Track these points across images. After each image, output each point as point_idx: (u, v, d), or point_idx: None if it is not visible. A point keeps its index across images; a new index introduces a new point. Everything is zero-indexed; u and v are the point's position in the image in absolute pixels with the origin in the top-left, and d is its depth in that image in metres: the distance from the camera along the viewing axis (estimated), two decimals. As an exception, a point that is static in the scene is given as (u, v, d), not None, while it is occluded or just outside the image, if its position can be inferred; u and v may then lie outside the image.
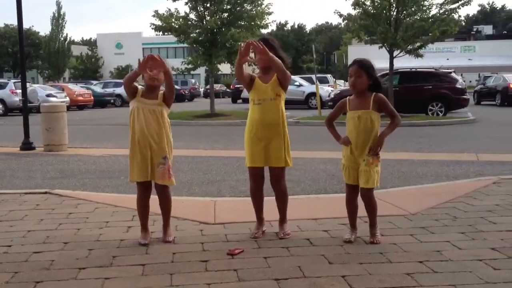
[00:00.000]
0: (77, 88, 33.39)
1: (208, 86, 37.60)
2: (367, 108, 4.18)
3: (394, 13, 19.30)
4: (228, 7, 21.42)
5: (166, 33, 22.64)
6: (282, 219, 4.59)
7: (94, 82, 44.65)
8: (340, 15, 20.20)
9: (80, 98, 31.97)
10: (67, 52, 56.65)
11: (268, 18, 21.64)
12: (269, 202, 4.70)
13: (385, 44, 19.51)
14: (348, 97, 4.37)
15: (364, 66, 4.22)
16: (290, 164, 4.53)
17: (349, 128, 4.28)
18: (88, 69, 68.18)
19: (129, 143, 4.37)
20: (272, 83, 4.43)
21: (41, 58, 57.26)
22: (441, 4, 19.34)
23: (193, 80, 50.19)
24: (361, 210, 4.45)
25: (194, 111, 22.93)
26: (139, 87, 4.38)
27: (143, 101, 4.29)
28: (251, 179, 4.57)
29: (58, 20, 54.89)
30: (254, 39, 20.65)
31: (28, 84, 16.64)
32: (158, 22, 21.38)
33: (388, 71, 19.41)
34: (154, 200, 4.53)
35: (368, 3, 19.27)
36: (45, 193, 6.45)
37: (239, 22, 21.60)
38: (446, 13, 19.37)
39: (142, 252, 4.14)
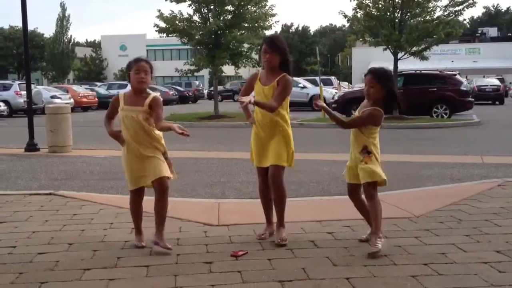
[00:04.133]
0: (81, 90, 33.46)
1: (212, 88, 37.66)
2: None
3: (398, 15, 19.29)
4: (232, 8, 21.45)
5: (170, 35, 22.69)
6: (279, 223, 4.47)
7: (98, 83, 44.72)
8: (345, 16, 20.20)
9: (84, 99, 32.02)
10: (71, 54, 56.78)
11: (271, 20, 21.68)
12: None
13: (389, 46, 19.49)
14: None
15: (376, 75, 4.18)
16: (290, 165, 4.47)
17: None
18: (92, 71, 68.26)
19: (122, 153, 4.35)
20: (270, 87, 4.40)
21: (46, 60, 57.41)
22: (446, 6, 19.34)
23: (197, 82, 50.20)
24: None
25: (198, 113, 22.96)
26: (121, 95, 4.35)
27: (128, 108, 4.24)
28: (259, 178, 4.60)
29: (62, 22, 55.03)
30: (258, 40, 20.53)
31: (32, 86, 16.67)
32: (162, 24, 21.44)
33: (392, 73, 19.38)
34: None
35: (371, 5, 19.26)
36: (50, 194, 6.47)
37: (243, 23, 21.63)
38: (451, 15, 19.36)
39: (146, 253, 4.14)
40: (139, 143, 4.21)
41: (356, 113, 4.31)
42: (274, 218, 4.55)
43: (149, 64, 4.31)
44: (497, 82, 34.59)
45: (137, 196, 4.37)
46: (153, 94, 4.30)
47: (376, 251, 3.96)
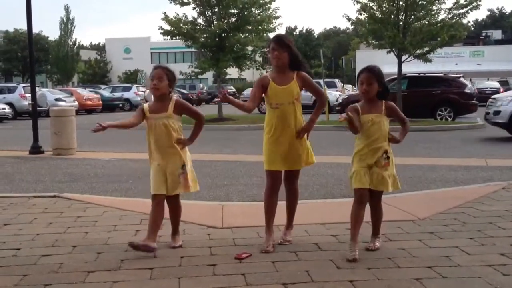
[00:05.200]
0: (85, 93, 33.61)
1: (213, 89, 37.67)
2: (380, 113, 4.18)
3: (402, 18, 19.28)
4: (236, 11, 21.50)
5: (174, 38, 22.76)
6: (289, 224, 4.55)
7: (103, 86, 44.88)
8: (349, 19, 20.19)
9: (89, 102, 32.15)
10: (75, 56, 56.98)
11: (275, 22, 21.72)
12: (278, 207, 4.68)
13: (393, 49, 19.48)
14: (356, 103, 4.34)
15: (375, 73, 4.21)
16: (313, 161, 4.57)
17: (362, 132, 4.19)
18: (97, 74, 68.49)
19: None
20: (290, 87, 4.36)
21: (50, 63, 57.66)
22: (450, 9, 19.29)
23: (201, 85, 50.25)
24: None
25: (202, 116, 22.95)
26: (145, 105, 4.38)
27: (153, 116, 4.28)
28: (269, 181, 4.43)
29: (67, 25, 55.27)
30: (262, 43, 20.51)
31: (37, 89, 16.74)
32: (167, 27, 21.51)
33: (396, 76, 19.37)
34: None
35: (375, 7, 19.26)
36: (54, 196, 6.49)
37: (247, 26, 21.68)
38: (455, 18, 19.33)
39: (150, 256, 4.14)
40: (161, 150, 4.25)
41: (366, 117, 4.17)
42: (277, 221, 4.56)
43: (165, 70, 4.31)
44: (497, 84, 36.78)
45: (160, 207, 4.23)
46: (174, 98, 4.36)
47: (376, 249, 4.17)
